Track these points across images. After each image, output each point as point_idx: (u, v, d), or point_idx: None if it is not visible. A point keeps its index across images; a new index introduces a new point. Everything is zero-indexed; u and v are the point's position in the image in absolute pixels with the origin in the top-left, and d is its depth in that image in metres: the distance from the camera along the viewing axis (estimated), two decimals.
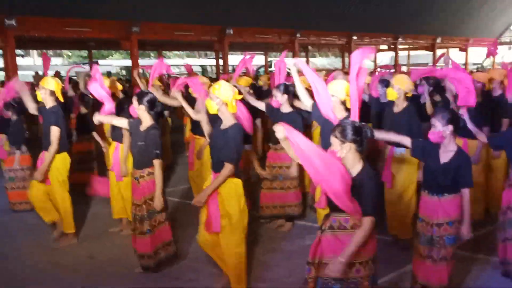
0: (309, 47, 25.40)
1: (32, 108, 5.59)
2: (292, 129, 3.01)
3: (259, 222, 6.07)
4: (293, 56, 19.50)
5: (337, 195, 2.93)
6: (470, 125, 4.77)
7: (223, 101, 4.18)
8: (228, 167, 4.14)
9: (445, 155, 3.89)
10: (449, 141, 3.87)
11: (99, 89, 5.19)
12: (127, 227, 5.82)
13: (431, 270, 3.92)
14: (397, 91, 5.21)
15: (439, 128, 3.81)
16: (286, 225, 6.00)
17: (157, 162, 4.52)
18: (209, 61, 33.35)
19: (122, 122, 4.98)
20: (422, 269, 4.02)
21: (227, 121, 4.26)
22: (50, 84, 5.42)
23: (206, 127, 4.69)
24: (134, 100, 4.65)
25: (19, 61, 15.28)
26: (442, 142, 3.87)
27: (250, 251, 5.19)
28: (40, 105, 5.61)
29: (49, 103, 5.42)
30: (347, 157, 3.11)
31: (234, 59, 24.57)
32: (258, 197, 6.06)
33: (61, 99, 5.59)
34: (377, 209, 3.13)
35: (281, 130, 3.03)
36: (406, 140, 4.16)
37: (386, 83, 6.29)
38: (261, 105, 5.85)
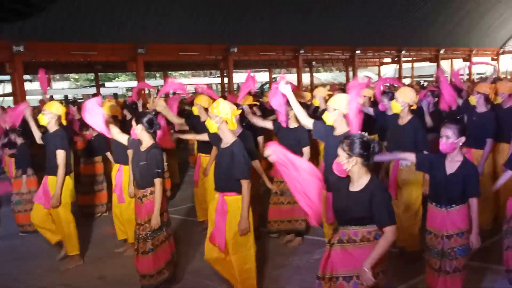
0: (313, 63, 25.51)
1: (38, 137, 5.70)
2: (280, 149, 3.16)
3: (268, 238, 6.08)
4: (297, 72, 19.64)
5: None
6: None
7: (223, 118, 4.24)
8: (245, 184, 4.20)
9: (452, 166, 3.88)
10: (457, 152, 3.88)
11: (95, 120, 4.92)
12: (131, 247, 5.83)
13: (446, 282, 3.89)
14: (401, 104, 5.22)
15: (453, 140, 3.80)
16: (295, 240, 5.99)
17: (157, 181, 4.53)
18: (215, 80, 33.57)
19: (122, 138, 5.01)
20: (436, 282, 3.98)
21: (228, 139, 4.30)
22: (54, 108, 5.49)
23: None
24: (133, 121, 4.68)
25: (27, 86, 15.45)
26: (452, 153, 3.88)
27: (259, 267, 5.19)
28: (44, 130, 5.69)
29: (53, 127, 5.49)
30: (353, 170, 3.14)
31: (239, 77, 24.72)
32: (266, 212, 6.08)
33: (64, 123, 5.66)
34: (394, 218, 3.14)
35: (269, 154, 3.20)
36: (410, 156, 4.15)
37: (391, 96, 6.31)
38: (267, 125, 5.85)
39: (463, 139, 3.82)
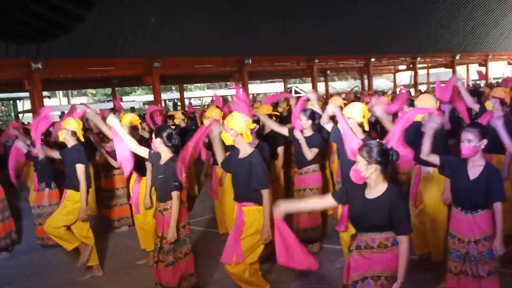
0: (328, 72, 25.54)
1: (55, 154, 5.79)
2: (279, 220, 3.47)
3: None
4: (312, 81, 19.65)
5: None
6: (503, 134, 4.76)
7: (238, 131, 4.28)
8: (266, 194, 4.21)
9: (474, 170, 3.85)
10: (479, 156, 3.86)
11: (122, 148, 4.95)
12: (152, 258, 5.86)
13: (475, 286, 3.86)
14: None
15: (475, 143, 3.77)
16: (313, 246, 5.97)
17: (175, 194, 4.54)
18: (229, 91, 33.79)
19: (143, 152, 5.04)
20: (458, 286, 3.95)
21: (245, 150, 4.34)
22: (72, 124, 5.59)
23: (219, 155, 4.72)
24: (153, 134, 4.73)
25: (46, 102, 15.70)
26: (473, 157, 3.86)
27: (280, 277, 5.21)
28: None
29: (71, 142, 5.59)
30: (371, 177, 3.15)
31: (254, 88, 24.82)
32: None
33: (82, 139, 5.75)
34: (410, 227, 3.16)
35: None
36: (435, 158, 4.15)
37: (410, 103, 6.29)
38: (283, 130, 5.91)
39: (484, 141, 3.79)
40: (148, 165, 5.67)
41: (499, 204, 3.77)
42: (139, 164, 5.78)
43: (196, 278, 4.90)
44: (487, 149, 4.81)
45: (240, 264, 4.29)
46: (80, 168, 5.45)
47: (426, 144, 4.12)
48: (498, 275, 3.85)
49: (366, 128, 4.48)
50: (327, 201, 3.51)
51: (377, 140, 3.35)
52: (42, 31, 9.96)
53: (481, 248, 3.81)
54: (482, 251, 3.81)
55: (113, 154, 7.54)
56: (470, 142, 3.78)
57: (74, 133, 5.59)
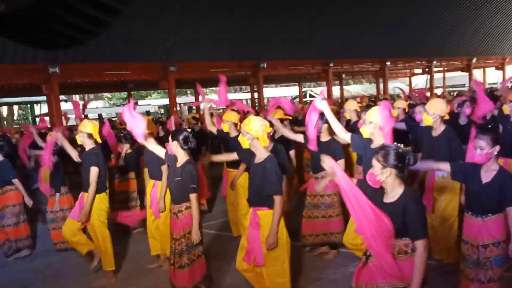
0: (343, 75, 25.47)
1: (75, 156, 5.83)
2: (339, 168, 3.15)
3: (302, 251, 6.06)
4: (327, 85, 19.59)
5: (377, 252, 2.96)
6: None
7: (254, 135, 4.29)
8: (278, 200, 4.21)
9: (487, 175, 3.83)
10: (493, 161, 3.83)
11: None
12: (166, 262, 5.88)
13: None
14: (432, 116, 5.18)
15: (487, 150, 3.75)
16: (331, 253, 5.95)
17: (193, 196, 4.59)
18: (245, 95, 33.88)
19: (159, 150, 5.10)
20: None
21: (261, 155, 4.35)
22: (88, 127, 5.60)
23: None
24: (169, 137, 4.77)
25: (62, 106, 15.87)
26: (487, 163, 3.83)
27: (294, 281, 5.18)
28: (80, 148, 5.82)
29: (88, 145, 5.61)
30: (387, 181, 3.13)
31: (269, 91, 24.83)
32: (299, 226, 6.08)
33: (99, 141, 5.79)
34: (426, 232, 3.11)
35: (328, 165, 3.19)
36: (445, 166, 4.11)
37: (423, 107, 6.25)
38: (298, 137, 5.84)
39: (497, 148, 3.77)
40: (164, 169, 5.71)
41: (511, 209, 3.74)
42: (156, 168, 5.85)
43: (209, 281, 4.91)
44: (502, 154, 4.79)
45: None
46: (93, 171, 5.46)
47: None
48: (498, 284, 3.81)
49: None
50: None
51: (395, 143, 3.31)
52: (70, 38, 10.14)
53: (488, 253, 3.79)
54: (489, 256, 3.79)
55: (126, 158, 7.64)
56: (482, 149, 3.77)
57: (90, 136, 5.60)
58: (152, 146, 5.17)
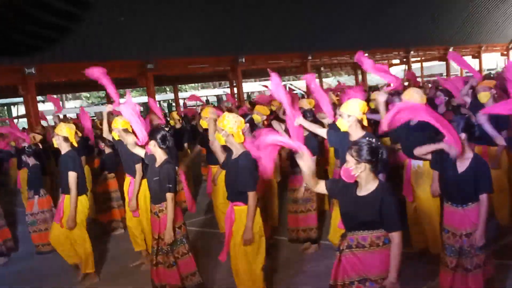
0: (322, 68, 25.54)
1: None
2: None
3: (287, 245, 6.10)
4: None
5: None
6: (488, 129, 4.78)
7: (228, 132, 4.29)
8: (251, 196, 4.20)
9: (462, 164, 3.88)
10: (465, 149, 3.88)
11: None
12: (147, 260, 5.85)
13: (467, 280, 3.88)
14: None
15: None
16: (311, 247, 5.99)
17: (169, 196, 4.56)
18: (224, 91, 33.77)
19: (140, 152, 5.09)
20: (450, 281, 3.96)
21: (237, 151, 4.35)
22: (63, 130, 5.52)
23: (219, 155, 4.73)
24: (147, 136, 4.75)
25: (40, 107, 15.67)
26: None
27: (280, 274, 5.24)
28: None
29: (64, 148, 5.52)
30: (361, 176, 3.15)
31: (248, 86, 24.81)
32: (285, 220, 6.13)
33: (75, 144, 5.71)
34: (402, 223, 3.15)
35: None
36: (428, 154, 4.19)
37: (399, 97, 6.28)
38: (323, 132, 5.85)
39: (463, 135, 3.82)
40: (138, 168, 5.70)
41: (484, 196, 3.80)
42: (131, 166, 5.81)
43: (199, 277, 4.88)
44: (482, 142, 4.83)
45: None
46: (71, 177, 5.37)
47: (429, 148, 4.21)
48: (484, 269, 3.88)
49: (365, 123, 4.47)
50: (320, 186, 3.45)
51: (367, 138, 3.31)
52: (44, 38, 10.01)
53: (472, 241, 3.84)
54: (473, 244, 3.84)
55: (105, 159, 7.59)
56: None
57: (66, 139, 5.51)
58: (136, 149, 5.13)
